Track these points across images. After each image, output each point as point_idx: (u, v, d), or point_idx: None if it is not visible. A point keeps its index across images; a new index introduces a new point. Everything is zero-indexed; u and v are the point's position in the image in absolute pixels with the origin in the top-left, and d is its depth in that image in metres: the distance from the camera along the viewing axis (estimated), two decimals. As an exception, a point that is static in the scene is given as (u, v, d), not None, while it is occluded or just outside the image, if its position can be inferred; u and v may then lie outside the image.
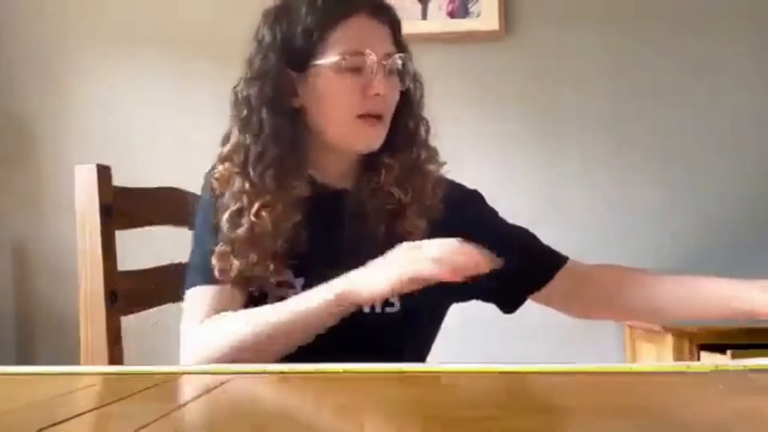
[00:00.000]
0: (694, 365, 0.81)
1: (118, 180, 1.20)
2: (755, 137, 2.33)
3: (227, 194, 1.06)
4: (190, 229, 1.16)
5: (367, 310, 1.05)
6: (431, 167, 1.15)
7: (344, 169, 1.13)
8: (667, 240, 2.29)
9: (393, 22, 1.11)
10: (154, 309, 1.26)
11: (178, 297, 1.34)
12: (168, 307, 1.30)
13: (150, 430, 0.50)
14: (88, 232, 1.14)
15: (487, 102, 2.35)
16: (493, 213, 1.23)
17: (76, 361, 1.13)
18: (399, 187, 1.11)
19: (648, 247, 2.28)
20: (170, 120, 2.46)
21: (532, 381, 0.76)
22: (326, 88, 1.06)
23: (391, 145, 1.11)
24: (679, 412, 0.61)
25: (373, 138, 1.08)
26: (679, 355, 1.86)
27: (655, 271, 1.16)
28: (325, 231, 1.09)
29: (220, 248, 1.04)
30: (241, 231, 1.03)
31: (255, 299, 1.07)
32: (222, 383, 0.73)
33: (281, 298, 1.03)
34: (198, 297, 1.06)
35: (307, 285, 1.03)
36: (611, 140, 2.36)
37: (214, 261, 1.04)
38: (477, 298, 1.20)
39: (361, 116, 1.06)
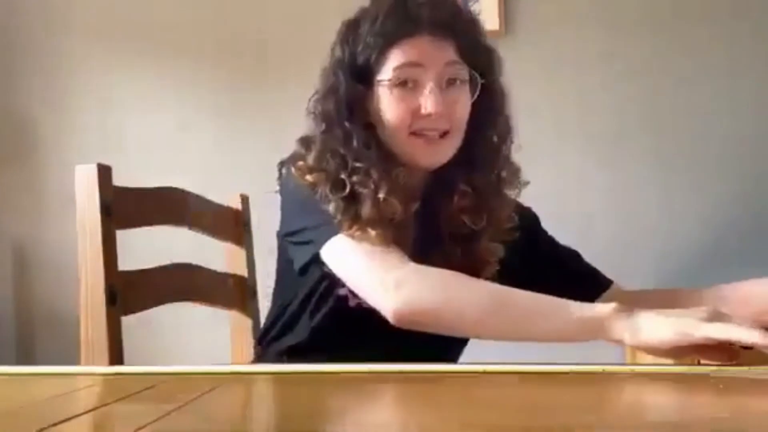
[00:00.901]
0: (694, 367, 0.81)
1: (119, 180, 1.19)
2: (756, 137, 2.33)
3: (326, 187, 1.03)
4: (283, 219, 1.14)
5: None
6: (511, 189, 1.12)
7: (415, 187, 1.10)
8: (666, 239, 2.29)
9: (459, 35, 1.07)
10: (154, 309, 1.26)
11: (178, 297, 1.34)
12: (168, 307, 1.30)
13: (150, 430, 0.50)
14: (89, 232, 1.14)
15: (487, 102, 2.35)
16: (545, 233, 1.23)
17: (76, 361, 1.13)
18: (472, 214, 1.08)
19: (647, 248, 2.28)
20: (171, 120, 2.46)
21: (531, 381, 0.76)
22: (384, 105, 1.05)
23: (469, 160, 1.08)
24: (679, 412, 0.61)
25: (434, 155, 1.06)
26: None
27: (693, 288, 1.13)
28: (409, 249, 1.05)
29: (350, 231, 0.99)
30: (365, 210, 1.00)
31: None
32: (222, 383, 0.73)
33: None
34: (369, 239, 0.99)
35: None
36: (611, 139, 2.36)
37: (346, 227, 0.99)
38: None
39: (413, 133, 1.04)
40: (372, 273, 0.98)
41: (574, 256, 1.22)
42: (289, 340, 1.15)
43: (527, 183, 1.13)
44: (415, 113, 1.04)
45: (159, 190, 1.31)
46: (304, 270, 1.07)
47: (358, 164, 1.03)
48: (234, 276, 1.49)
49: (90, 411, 0.61)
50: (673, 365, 0.84)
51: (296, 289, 1.13)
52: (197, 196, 1.39)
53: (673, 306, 0.93)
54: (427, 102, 1.02)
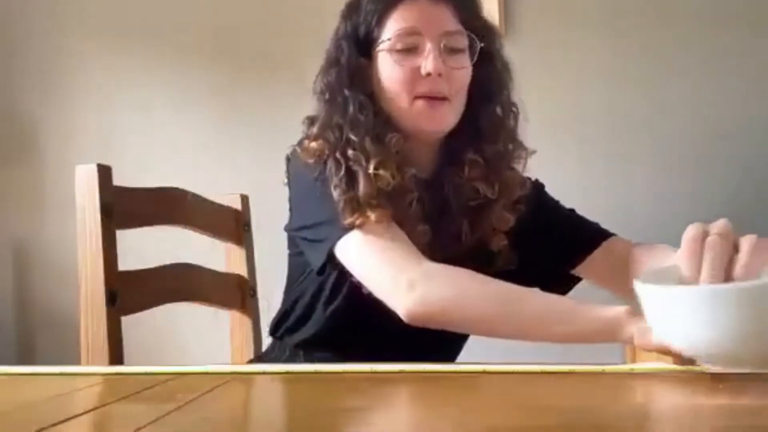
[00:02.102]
0: (694, 367, 0.81)
1: (118, 180, 1.19)
2: (756, 138, 2.33)
3: (329, 163, 1.03)
4: (291, 200, 1.14)
5: None
6: (518, 160, 1.13)
7: (426, 157, 1.12)
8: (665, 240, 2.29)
9: (458, 2, 1.09)
10: (154, 309, 1.26)
11: (178, 297, 1.34)
12: (168, 307, 1.30)
13: (150, 430, 0.50)
14: (89, 232, 1.14)
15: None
16: (551, 199, 1.23)
17: (76, 361, 1.13)
18: (485, 182, 1.09)
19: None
20: (170, 120, 2.46)
21: (531, 381, 0.76)
22: (385, 71, 1.06)
23: (476, 132, 1.10)
24: (679, 412, 0.61)
25: (438, 120, 1.06)
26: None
27: None
28: (411, 223, 1.06)
29: (340, 206, 1.00)
30: (361, 188, 1.00)
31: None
32: (222, 383, 0.73)
33: None
34: (377, 234, 0.99)
35: None
36: (610, 139, 2.36)
37: (348, 216, 0.99)
38: (523, 282, 1.19)
39: (418, 97, 1.05)
40: (384, 272, 0.98)
41: (572, 213, 1.22)
42: (306, 331, 1.14)
43: (534, 152, 1.14)
44: (416, 75, 1.04)
45: (159, 190, 1.31)
46: (322, 270, 1.06)
47: (352, 135, 1.04)
48: (234, 276, 1.49)
49: (90, 411, 0.61)
50: (674, 365, 0.84)
51: (309, 280, 1.13)
52: (197, 196, 1.39)
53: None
54: (427, 63, 1.03)
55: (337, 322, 1.10)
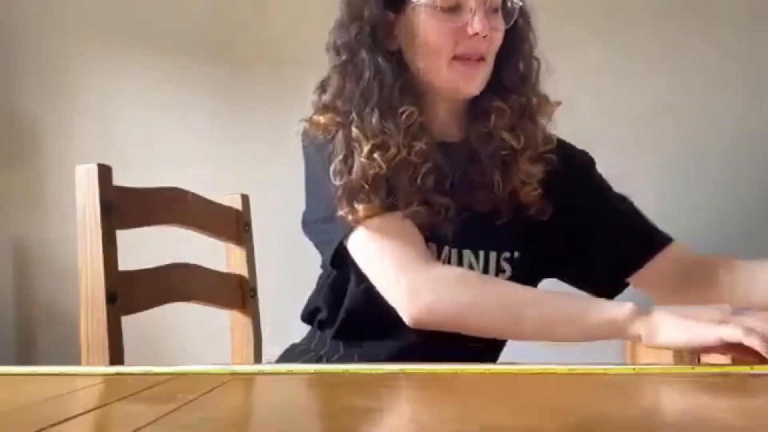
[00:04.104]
0: (695, 367, 0.81)
1: (118, 180, 1.19)
2: (757, 138, 2.33)
3: (335, 142, 1.00)
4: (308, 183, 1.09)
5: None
6: (543, 112, 1.10)
7: (453, 115, 1.09)
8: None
9: None
10: (154, 309, 1.26)
11: (178, 297, 1.34)
12: (168, 307, 1.30)
13: (150, 430, 0.50)
14: (89, 232, 1.14)
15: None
16: (601, 180, 1.18)
17: (76, 361, 1.13)
18: (511, 132, 1.06)
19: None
20: (170, 120, 2.46)
21: (529, 381, 0.76)
22: (422, 29, 1.01)
23: (500, 87, 1.07)
24: (679, 412, 0.61)
25: (474, 80, 1.04)
26: (678, 356, 1.86)
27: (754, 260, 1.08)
28: (439, 182, 1.04)
29: (340, 197, 0.97)
30: (354, 176, 0.97)
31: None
32: (222, 383, 0.73)
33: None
34: (385, 230, 0.97)
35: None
36: (610, 139, 2.35)
37: (340, 213, 0.97)
38: (572, 283, 1.16)
39: (457, 57, 1.01)
40: (388, 274, 0.97)
41: (629, 209, 1.16)
42: (346, 307, 1.09)
43: (559, 103, 1.12)
44: (459, 35, 1.00)
45: (159, 189, 1.31)
46: (333, 263, 1.04)
47: (361, 109, 0.99)
48: (234, 276, 1.49)
49: (90, 411, 0.61)
50: (674, 365, 0.84)
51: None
52: (197, 196, 1.39)
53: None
54: (475, 23, 0.99)
55: (370, 303, 1.03)
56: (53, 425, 0.52)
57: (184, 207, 1.36)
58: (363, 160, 0.97)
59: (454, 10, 1.01)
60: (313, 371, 0.80)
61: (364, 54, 1.01)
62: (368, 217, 0.97)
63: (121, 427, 0.56)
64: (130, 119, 2.46)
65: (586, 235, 1.12)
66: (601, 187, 1.18)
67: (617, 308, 0.89)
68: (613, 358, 2.23)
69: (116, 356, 1.12)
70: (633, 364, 2.07)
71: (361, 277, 1.03)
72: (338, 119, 1.01)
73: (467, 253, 1.05)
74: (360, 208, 0.97)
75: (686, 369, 0.79)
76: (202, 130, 2.43)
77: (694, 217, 2.26)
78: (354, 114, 1.00)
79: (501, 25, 1.04)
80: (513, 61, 1.09)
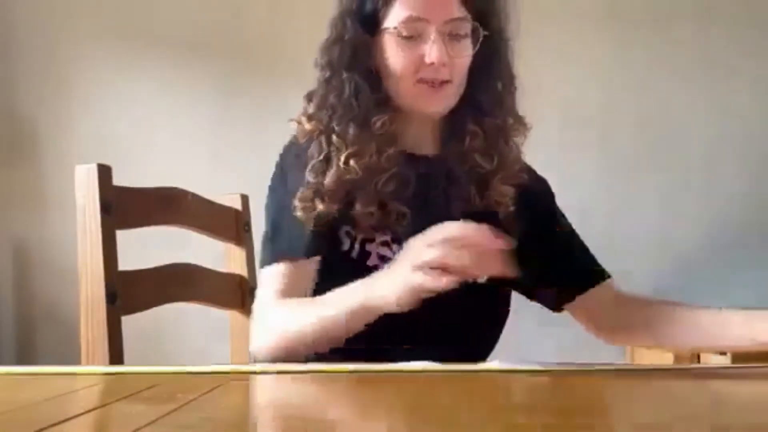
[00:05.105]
0: (695, 365, 0.81)
1: (118, 180, 1.19)
2: (757, 138, 2.33)
3: (312, 146, 1.08)
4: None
5: None
6: (516, 134, 1.14)
7: (428, 130, 1.14)
8: (665, 241, 2.29)
9: None
10: (154, 309, 1.26)
11: (178, 297, 1.34)
12: (168, 307, 1.30)
13: (150, 430, 0.50)
14: (89, 232, 1.14)
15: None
16: (555, 210, 1.24)
17: (76, 361, 1.13)
18: (483, 154, 1.11)
19: (644, 251, 2.28)
20: (170, 119, 2.46)
21: (530, 380, 0.76)
22: (389, 53, 1.07)
23: (476, 107, 1.11)
24: (680, 412, 0.61)
25: (437, 102, 1.08)
26: (678, 355, 1.86)
27: (688, 303, 1.13)
28: (417, 197, 1.09)
29: (303, 193, 1.05)
30: (328, 179, 1.05)
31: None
32: (222, 383, 0.73)
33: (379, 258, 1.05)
34: (271, 275, 1.07)
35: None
36: (610, 139, 2.36)
37: (296, 203, 1.05)
38: (526, 295, 1.20)
39: (420, 81, 1.06)
40: (262, 307, 1.08)
41: (576, 242, 1.22)
42: None
43: (531, 127, 1.15)
44: (419, 62, 1.06)
45: (159, 189, 1.31)
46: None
47: (341, 120, 1.07)
48: (234, 276, 1.48)
49: (90, 411, 0.61)
50: (674, 365, 0.84)
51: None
52: (197, 196, 1.39)
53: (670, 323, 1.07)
54: (432, 52, 1.04)
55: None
56: (53, 425, 0.52)
57: (184, 207, 1.36)
58: (341, 166, 1.05)
59: (415, 38, 1.06)
60: (313, 371, 0.80)
61: (344, 73, 1.09)
62: (275, 261, 1.07)
63: (121, 427, 0.56)
64: (130, 119, 2.46)
65: (532, 261, 1.14)
66: (553, 217, 1.23)
67: (352, 290, 0.96)
68: (615, 358, 2.23)
69: (116, 356, 1.12)
70: (633, 364, 2.07)
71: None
72: (321, 127, 1.09)
73: None
74: (320, 206, 1.04)
75: (684, 367, 0.80)
76: (202, 130, 2.43)
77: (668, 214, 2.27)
78: (334, 124, 1.08)
79: (467, 51, 1.08)
80: (488, 83, 1.12)
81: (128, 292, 1.17)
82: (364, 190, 1.06)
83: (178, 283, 1.34)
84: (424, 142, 1.14)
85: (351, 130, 1.06)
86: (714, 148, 2.33)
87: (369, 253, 1.07)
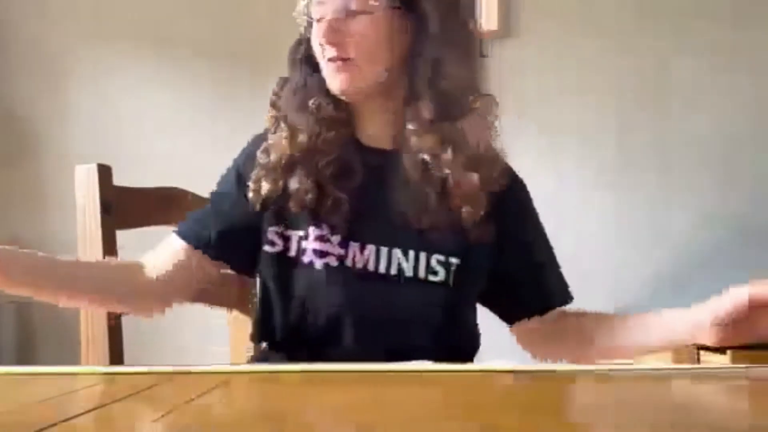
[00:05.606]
0: (695, 366, 0.81)
1: (118, 180, 1.19)
2: (757, 138, 2.33)
3: (270, 131, 1.14)
4: None
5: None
6: (458, 114, 1.06)
7: (385, 127, 1.11)
8: (664, 243, 2.29)
9: None
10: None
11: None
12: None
13: (150, 430, 0.50)
14: (89, 232, 1.14)
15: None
16: (531, 215, 1.19)
17: (76, 361, 1.13)
18: (432, 141, 1.05)
19: (644, 252, 2.28)
20: (170, 119, 2.46)
21: (530, 381, 0.76)
22: (312, 39, 1.11)
23: (414, 92, 1.07)
24: (680, 412, 0.61)
25: (341, 80, 1.06)
26: (678, 356, 1.86)
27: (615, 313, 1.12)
28: (363, 189, 1.08)
29: (256, 174, 1.10)
30: (272, 156, 1.09)
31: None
32: (222, 383, 0.73)
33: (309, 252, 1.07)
34: (168, 243, 1.14)
35: (344, 244, 1.05)
36: (610, 139, 2.36)
37: (251, 185, 1.10)
38: (482, 303, 1.18)
39: (330, 59, 1.06)
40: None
41: (545, 260, 1.18)
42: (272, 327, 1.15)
43: (497, 102, 1.09)
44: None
45: (159, 189, 1.31)
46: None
47: (289, 103, 1.12)
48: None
49: (90, 411, 0.61)
50: (674, 365, 0.84)
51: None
52: (197, 196, 1.39)
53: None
54: (321, 30, 1.06)
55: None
56: (53, 425, 0.52)
57: (184, 207, 1.35)
58: (282, 143, 1.09)
59: (320, 21, 1.07)
60: (313, 370, 0.80)
61: (297, 64, 1.14)
62: (264, 203, 1.10)
63: (120, 427, 0.56)
64: (130, 119, 2.46)
65: (494, 272, 1.14)
66: (523, 228, 1.17)
67: None
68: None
69: (116, 356, 1.13)
70: (634, 364, 2.06)
71: (281, 291, 1.12)
72: (278, 114, 1.14)
73: (396, 252, 1.06)
74: (264, 187, 1.09)
75: (684, 368, 0.80)
76: (202, 129, 2.43)
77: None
78: (284, 111, 1.12)
79: (369, 27, 1.04)
80: (420, 66, 1.06)
81: (128, 292, 1.17)
82: (303, 168, 1.08)
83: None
84: (382, 135, 1.11)
85: (292, 112, 1.10)
86: (720, 148, 2.33)
87: (304, 250, 1.07)
